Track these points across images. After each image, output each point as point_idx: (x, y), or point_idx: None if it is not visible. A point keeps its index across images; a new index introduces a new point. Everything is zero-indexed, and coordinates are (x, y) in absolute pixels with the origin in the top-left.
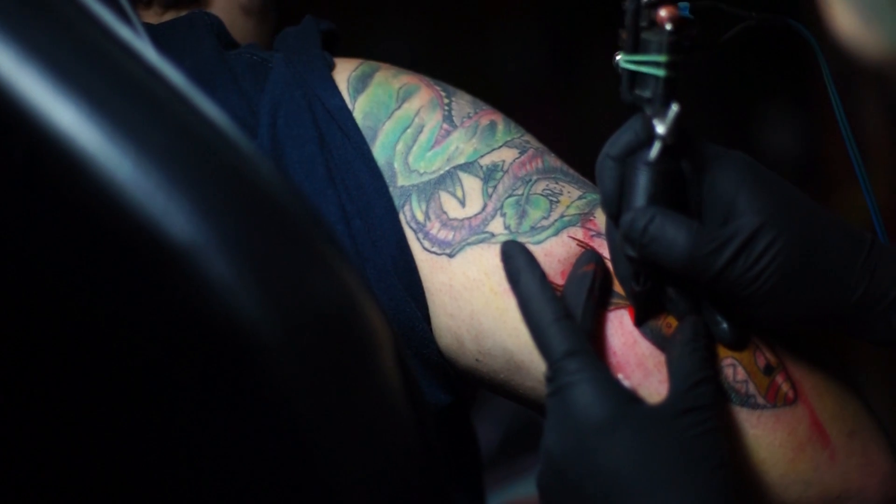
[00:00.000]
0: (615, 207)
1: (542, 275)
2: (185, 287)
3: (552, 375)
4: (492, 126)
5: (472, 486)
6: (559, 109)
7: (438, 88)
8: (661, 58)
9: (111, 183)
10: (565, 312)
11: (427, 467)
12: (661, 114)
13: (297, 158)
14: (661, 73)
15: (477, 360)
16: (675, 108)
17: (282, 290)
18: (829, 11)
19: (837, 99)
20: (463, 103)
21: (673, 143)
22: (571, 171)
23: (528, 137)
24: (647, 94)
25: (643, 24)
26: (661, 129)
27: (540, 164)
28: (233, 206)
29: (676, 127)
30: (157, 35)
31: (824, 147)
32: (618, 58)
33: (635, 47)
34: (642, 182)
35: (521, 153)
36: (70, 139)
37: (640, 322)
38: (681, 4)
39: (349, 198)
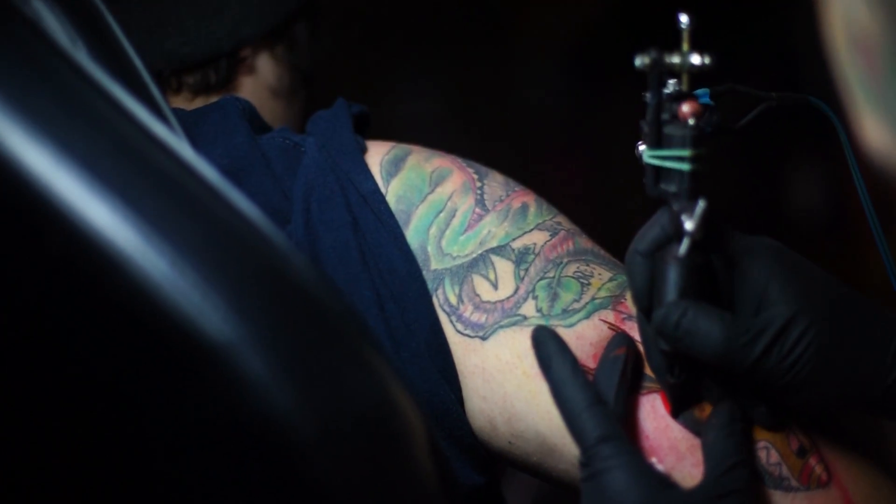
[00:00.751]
0: (646, 302)
1: (574, 360)
2: (221, 386)
3: (586, 461)
4: (523, 209)
5: None
6: (584, 159)
7: (471, 171)
8: (686, 152)
9: (147, 282)
10: (597, 398)
11: None
12: (689, 209)
13: (331, 243)
14: (686, 167)
15: (510, 442)
16: (702, 203)
17: (317, 388)
18: (858, 123)
19: (859, 174)
20: (495, 185)
21: (701, 238)
22: (602, 251)
23: (559, 219)
24: (672, 188)
25: (665, 116)
26: (689, 224)
27: (571, 247)
28: (268, 304)
29: (704, 222)
30: (190, 122)
31: (853, 208)
32: (641, 149)
33: (658, 142)
34: (672, 277)
35: (553, 235)
36: (106, 238)
37: (676, 414)
38: (700, 91)
39: (383, 282)
